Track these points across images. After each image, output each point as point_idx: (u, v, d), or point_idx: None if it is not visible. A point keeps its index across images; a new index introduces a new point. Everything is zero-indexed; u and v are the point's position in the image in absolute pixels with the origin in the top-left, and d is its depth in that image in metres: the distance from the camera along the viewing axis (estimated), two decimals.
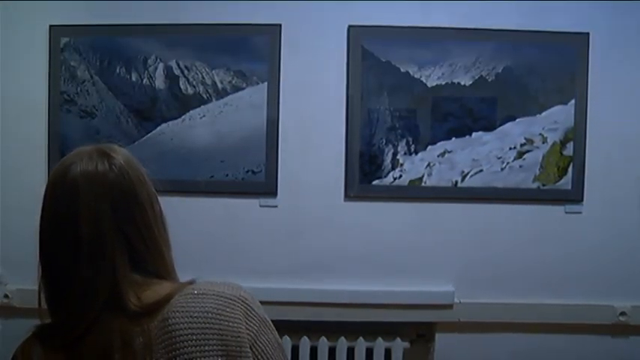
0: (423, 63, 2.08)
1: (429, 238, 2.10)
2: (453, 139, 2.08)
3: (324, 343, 2.09)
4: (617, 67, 2.08)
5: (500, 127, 2.08)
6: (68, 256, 0.77)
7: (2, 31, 2.09)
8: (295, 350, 2.07)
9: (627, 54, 2.08)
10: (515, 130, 2.08)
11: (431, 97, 2.08)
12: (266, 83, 2.08)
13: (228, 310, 0.78)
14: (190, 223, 2.04)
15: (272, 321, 0.84)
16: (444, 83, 2.08)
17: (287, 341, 2.04)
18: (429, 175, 2.09)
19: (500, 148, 2.08)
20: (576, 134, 2.07)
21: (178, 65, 2.10)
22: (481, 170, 2.09)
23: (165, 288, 0.79)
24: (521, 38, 2.07)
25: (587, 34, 2.06)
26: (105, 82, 2.10)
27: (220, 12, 2.07)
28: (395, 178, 2.09)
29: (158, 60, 2.10)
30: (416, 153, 2.09)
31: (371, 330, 2.10)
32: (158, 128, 2.10)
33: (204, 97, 2.10)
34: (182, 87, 2.11)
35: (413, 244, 2.09)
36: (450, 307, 2.07)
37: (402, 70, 2.08)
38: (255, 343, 0.78)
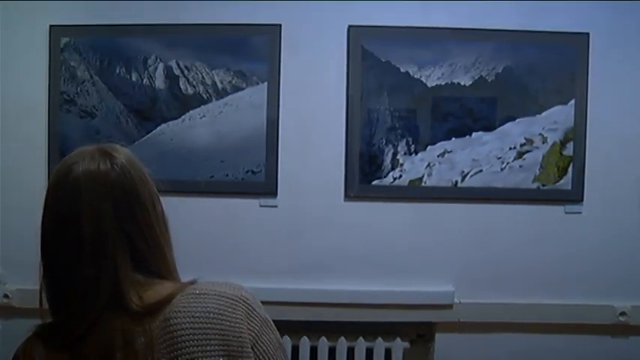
0: (423, 63, 2.08)
1: (429, 238, 2.10)
2: (453, 139, 2.08)
3: (324, 343, 2.09)
4: (617, 67, 2.08)
5: (500, 127, 2.08)
6: (70, 256, 0.77)
7: (2, 31, 2.09)
8: (295, 350, 2.07)
9: (627, 54, 2.08)
10: (515, 130, 2.08)
11: (431, 97, 2.08)
12: (266, 83, 2.08)
13: (229, 310, 0.78)
14: (190, 223, 2.04)
15: (272, 321, 0.84)
16: (443, 83, 2.08)
17: (287, 341, 2.04)
18: (429, 175, 2.09)
19: (500, 148, 2.08)
20: (576, 134, 2.07)
21: (178, 65, 2.10)
22: (481, 170, 2.09)
23: (166, 288, 0.79)
24: (521, 38, 2.07)
25: (587, 34, 2.06)
26: (105, 82, 2.10)
27: (220, 12, 2.07)
28: (395, 178, 2.09)
29: (158, 60, 2.10)
30: (416, 153, 2.09)
31: (371, 330, 2.10)
32: (158, 128, 2.10)
33: (204, 97, 2.10)
34: (182, 87, 2.11)
35: (413, 244, 2.09)
36: (449, 307, 2.07)
37: (402, 70, 2.08)
38: (257, 343, 0.78)
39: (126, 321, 0.75)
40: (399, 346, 2.09)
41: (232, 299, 0.79)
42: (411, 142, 2.09)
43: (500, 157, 2.08)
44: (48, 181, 0.82)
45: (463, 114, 2.09)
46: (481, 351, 2.09)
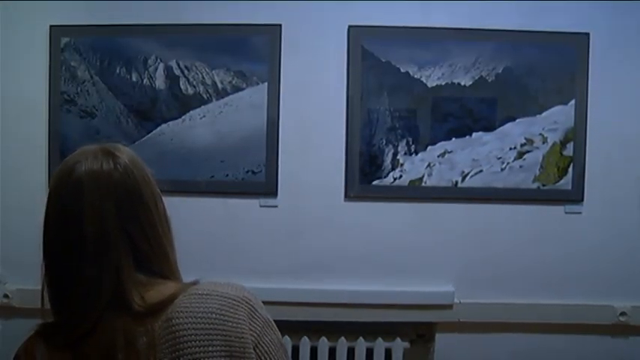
0: (423, 63, 2.08)
1: (429, 238, 2.10)
2: (453, 139, 2.09)
3: (324, 344, 2.09)
4: (617, 67, 2.08)
5: (501, 128, 2.08)
6: (72, 255, 0.77)
7: (2, 31, 2.09)
8: (295, 350, 2.07)
9: (627, 54, 2.08)
10: (515, 131, 2.08)
11: (431, 97, 2.08)
12: (266, 83, 2.08)
13: (232, 311, 0.78)
14: (191, 223, 2.03)
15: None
16: (444, 83, 2.08)
17: (287, 341, 2.04)
18: (429, 175, 2.09)
19: (500, 148, 2.08)
20: (576, 134, 2.08)
21: (178, 65, 2.10)
22: (481, 170, 2.09)
23: (169, 288, 0.79)
24: (521, 38, 2.07)
25: (588, 34, 2.06)
26: (105, 82, 2.10)
27: (220, 12, 2.07)
28: (395, 179, 2.09)
29: (158, 60, 2.10)
30: (416, 153, 2.09)
31: (371, 330, 2.10)
32: (158, 128, 2.10)
33: (205, 97, 2.10)
34: (182, 87, 2.11)
35: (413, 245, 2.09)
36: (449, 307, 2.07)
37: (402, 70, 2.08)
38: (259, 343, 0.78)
39: (128, 321, 0.75)
40: (399, 346, 2.09)
41: (235, 300, 0.79)
42: (411, 142, 2.09)
43: (500, 158, 2.08)
44: (50, 181, 0.82)
45: (463, 114, 2.09)
46: (481, 351, 2.09)
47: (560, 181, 2.08)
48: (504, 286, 2.08)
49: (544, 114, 2.08)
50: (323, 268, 2.08)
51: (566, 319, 2.07)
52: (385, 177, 2.09)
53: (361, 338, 2.08)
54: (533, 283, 2.09)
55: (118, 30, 2.08)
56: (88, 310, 0.76)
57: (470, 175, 2.09)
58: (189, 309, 0.76)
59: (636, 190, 2.09)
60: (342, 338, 2.09)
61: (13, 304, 2.06)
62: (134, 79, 2.10)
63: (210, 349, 0.74)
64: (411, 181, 2.09)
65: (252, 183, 2.09)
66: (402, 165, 2.09)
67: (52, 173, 2.03)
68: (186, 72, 2.10)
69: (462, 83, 2.08)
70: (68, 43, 2.09)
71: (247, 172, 2.10)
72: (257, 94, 2.09)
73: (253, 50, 2.08)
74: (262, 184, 2.09)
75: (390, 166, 2.09)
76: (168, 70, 2.10)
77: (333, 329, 2.10)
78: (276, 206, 2.09)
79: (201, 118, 2.10)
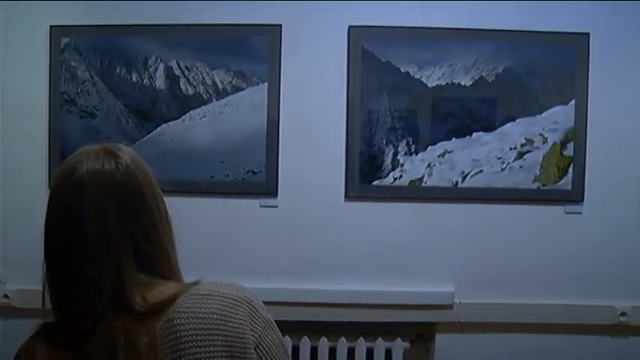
0: (423, 63, 2.08)
1: (429, 238, 2.10)
2: (453, 139, 2.09)
3: (324, 344, 2.09)
4: (617, 67, 2.08)
5: (501, 128, 2.08)
6: (73, 255, 0.77)
7: (2, 31, 2.09)
8: (295, 350, 2.07)
9: (627, 54, 2.08)
10: (515, 131, 2.08)
11: (431, 97, 2.08)
12: (266, 83, 2.08)
13: (233, 311, 0.78)
14: (191, 224, 2.03)
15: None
16: (444, 83, 2.08)
17: (287, 341, 2.04)
18: (430, 175, 2.09)
19: (500, 148, 2.08)
20: (576, 134, 2.08)
21: (179, 65, 2.10)
22: (481, 170, 2.09)
23: (170, 288, 0.79)
24: (521, 38, 2.07)
25: (588, 34, 2.06)
26: (105, 82, 2.10)
27: (220, 12, 2.07)
28: (395, 179, 2.09)
29: (158, 60, 2.10)
30: (416, 153, 2.09)
31: (371, 330, 2.10)
32: (158, 128, 2.10)
33: (205, 97, 2.10)
34: (182, 87, 2.11)
35: (413, 245, 2.09)
36: (450, 307, 2.07)
37: (402, 70, 2.08)
38: (260, 344, 0.78)
39: (129, 321, 0.75)
40: (399, 346, 2.09)
41: (236, 300, 0.79)
42: (411, 143, 2.09)
43: (500, 158, 2.08)
44: (51, 181, 0.82)
45: (463, 114, 2.09)
46: (481, 351, 2.09)
47: (561, 181, 2.08)
48: (505, 286, 2.08)
49: (544, 114, 2.08)
50: (323, 268, 2.08)
51: (567, 319, 2.07)
52: (385, 177, 2.09)
53: (361, 338, 2.08)
54: (534, 283, 2.08)
55: (118, 30, 2.09)
56: (89, 310, 0.76)
57: (470, 175, 2.09)
58: (190, 309, 0.76)
59: (636, 190, 2.09)
60: (343, 338, 2.09)
61: (13, 304, 2.06)
62: (134, 79, 2.10)
63: (211, 349, 0.74)
64: (411, 181, 2.09)
65: (252, 183, 2.09)
66: (402, 165, 2.09)
67: (52, 173, 2.04)
68: (186, 72, 2.10)
69: (462, 83, 2.08)
70: (68, 44, 2.09)
71: (247, 172, 2.10)
72: (257, 94, 2.09)
73: (253, 50, 2.08)
74: (262, 184, 2.09)
75: (390, 166, 2.09)
76: (168, 70, 2.10)
77: (333, 329, 2.10)
78: (276, 206, 2.09)
79: (201, 118, 2.10)
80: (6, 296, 2.08)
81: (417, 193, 2.09)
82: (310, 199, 2.09)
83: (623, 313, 2.06)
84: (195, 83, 2.11)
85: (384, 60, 2.08)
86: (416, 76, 2.08)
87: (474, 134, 2.08)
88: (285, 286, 2.05)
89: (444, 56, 2.07)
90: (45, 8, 2.09)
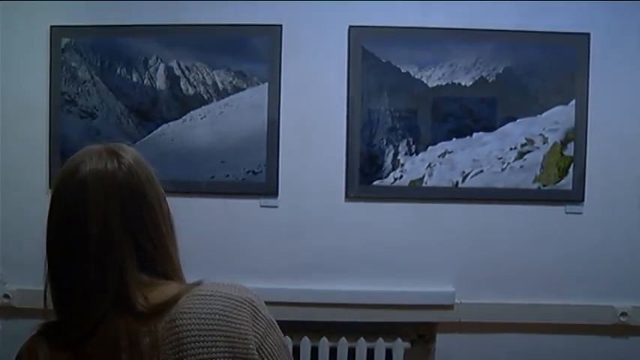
0: (424, 63, 2.08)
1: (430, 238, 2.10)
2: (454, 139, 2.09)
3: (324, 344, 2.09)
4: (618, 67, 2.08)
5: (501, 128, 2.08)
6: (75, 255, 0.77)
7: (2, 31, 2.09)
8: (296, 350, 2.07)
9: (627, 54, 2.08)
10: (515, 131, 2.08)
11: (431, 97, 2.08)
12: (266, 84, 2.08)
13: (235, 312, 0.78)
14: (191, 224, 2.03)
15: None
16: (444, 84, 2.08)
17: (287, 341, 2.04)
18: (430, 175, 2.09)
19: (500, 148, 2.08)
20: (577, 134, 2.08)
21: (179, 66, 2.10)
22: (481, 171, 2.09)
23: (172, 289, 0.79)
24: (521, 38, 2.07)
25: (588, 34, 2.06)
26: (105, 82, 2.10)
27: (220, 12, 2.07)
28: (395, 179, 2.09)
29: (159, 60, 2.10)
30: (416, 153, 2.09)
31: (371, 330, 2.10)
32: (159, 129, 2.10)
33: (205, 97, 2.10)
34: (183, 87, 2.11)
35: (413, 245, 2.09)
36: (450, 307, 2.07)
37: (402, 70, 2.08)
38: (262, 345, 0.78)
39: (131, 321, 0.75)
40: (399, 346, 2.09)
41: (238, 301, 0.79)
42: (411, 143, 2.09)
43: (500, 158, 2.09)
44: (52, 181, 0.82)
45: (464, 114, 2.09)
46: (481, 351, 2.09)
47: (561, 182, 2.08)
48: (505, 287, 2.08)
49: (544, 114, 2.08)
50: (323, 268, 2.08)
51: (567, 320, 2.07)
52: (386, 177, 2.09)
53: (362, 338, 2.08)
54: (534, 284, 2.09)
55: (118, 30, 2.09)
56: (91, 310, 0.76)
57: (470, 175, 2.09)
58: (192, 310, 0.76)
59: (636, 190, 2.09)
60: (343, 338, 2.09)
61: (14, 304, 2.06)
62: (135, 79, 2.10)
63: (213, 350, 0.74)
64: (411, 182, 2.09)
65: (252, 183, 2.09)
66: (402, 165, 2.09)
67: (52, 174, 2.04)
68: (186, 72, 2.11)
69: (463, 83, 2.08)
70: (69, 44, 2.09)
71: (248, 172, 2.10)
72: (257, 94, 2.09)
73: (254, 50, 2.08)
74: (263, 184, 2.09)
75: (390, 167, 2.09)
76: (168, 70, 2.10)
77: (333, 329, 2.10)
78: (276, 206, 2.09)
79: (201, 119, 2.10)
80: (6, 296, 2.08)
81: (417, 193, 2.09)
82: (310, 199, 2.09)
83: (623, 314, 2.06)
84: (195, 83, 2.11)
85: (384, 60, 2.08)
86: (416, 77, 2.08)
87: (475, 134, 2.08)
88: (285, 286, 2.05)
89: (444, 56, 2.08)
90: (45, 8, 2.09)
